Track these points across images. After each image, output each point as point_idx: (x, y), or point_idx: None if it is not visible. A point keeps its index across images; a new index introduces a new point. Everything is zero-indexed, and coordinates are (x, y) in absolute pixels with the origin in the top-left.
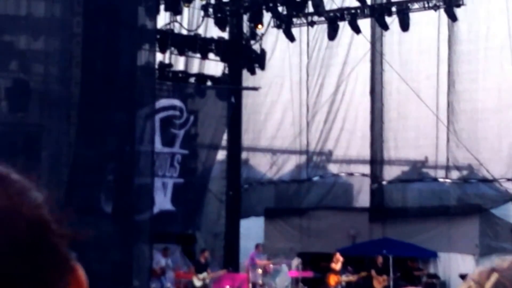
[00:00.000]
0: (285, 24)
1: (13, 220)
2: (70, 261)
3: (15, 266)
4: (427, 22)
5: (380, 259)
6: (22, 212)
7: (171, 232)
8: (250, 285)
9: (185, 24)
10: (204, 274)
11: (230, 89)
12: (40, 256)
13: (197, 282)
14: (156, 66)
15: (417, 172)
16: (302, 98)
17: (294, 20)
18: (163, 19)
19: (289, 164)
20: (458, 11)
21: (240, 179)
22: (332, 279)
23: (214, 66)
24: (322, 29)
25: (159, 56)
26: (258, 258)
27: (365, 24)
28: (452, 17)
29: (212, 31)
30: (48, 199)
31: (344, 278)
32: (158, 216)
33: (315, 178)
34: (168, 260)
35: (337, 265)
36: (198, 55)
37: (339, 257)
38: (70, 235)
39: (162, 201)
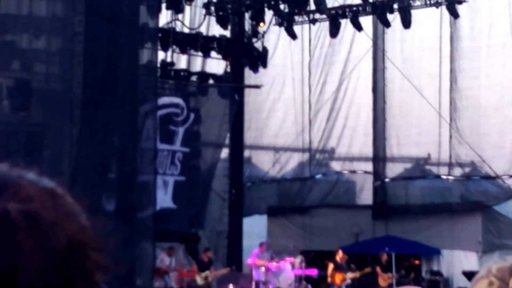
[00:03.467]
0: (287, 22)
1: (55, 234)
2: None
3: (47, 279)
4: (429, 19)
5: (384, 257)
6: (65, 230)
7: (173, 230)
8: (254, 283)
9: (186, 22)
10: (207, 273)
11: (232, 87)
12: (72, 277)
13: (199, 281)
14: (158, 65)
15: (419, 169)
16: (304, 95)
17: (296, 17)
18: (164, 17)
19: (292, 162)
20: (460, 8)
21: (243, 177)
22: (338, 277)
23: (216, 64)
24: (324, 26)
25: (161, 55)
26: (261, 257)
27: (367, 21)
28: (454, 14)
29: (214, 29)
30: (94, 227)
31: (349, 275)
32: (159, 214)
33: (318, 176)
34: (172, 259)
35: (341, 262)
36: (200, 53)
37: (341, 254)
38: (106, 267)
39: (163, 199)
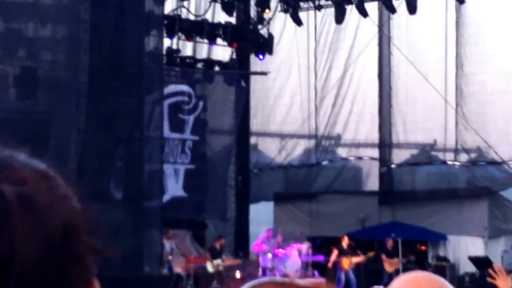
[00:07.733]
0: (292, 9)
1: (51, 219)
2: (91, 275)
3: (42, 263)
4: (434, 4)
5: (390, 243)
6: (59, 213)
7: (185, 219)
8: (260, 269)
9: (192, 9)
10: (218, 261)
11: (238, 74)
12: (66, 260)
13: (210, 268)
14: (164, 52)
15: (426, 155)
16: (310, 82)
17: (301, 4)
18: (170, 4)
19: (298, 149)
20: None
21: (249, 164)
22: (345, 262)
23: (222, 51)
24: (329, 13)
25: (166, 42)
26: (267, 243)
27: (372, 7)
28: None
29: (220, 16)
30: (85, 210)
31: (353, 260)
32: (171, 203)
33: (324, 162)
34: (172, 243)
35: (346, 248)
36: (206, 40)
37: (347, 240)
38: (98, 250)
39: (174, 188)
